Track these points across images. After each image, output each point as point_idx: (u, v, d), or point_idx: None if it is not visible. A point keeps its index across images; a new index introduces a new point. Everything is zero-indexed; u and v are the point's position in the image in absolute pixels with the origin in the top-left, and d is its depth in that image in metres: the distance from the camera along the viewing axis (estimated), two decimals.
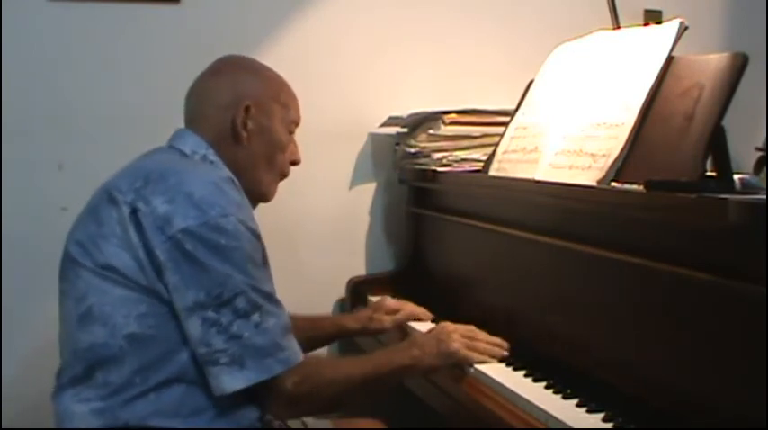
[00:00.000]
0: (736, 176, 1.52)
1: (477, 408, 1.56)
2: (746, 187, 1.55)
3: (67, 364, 1.54)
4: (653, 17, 2.49)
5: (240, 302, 1.46)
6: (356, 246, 2.52)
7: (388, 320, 1.99)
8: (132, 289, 1.48)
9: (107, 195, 1.53)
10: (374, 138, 2.51)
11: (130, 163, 1.63)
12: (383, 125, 2.43)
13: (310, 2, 2.44)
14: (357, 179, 2.52)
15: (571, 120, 1.77)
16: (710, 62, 1.51)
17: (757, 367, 1.18)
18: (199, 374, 1.49)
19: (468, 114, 2.32)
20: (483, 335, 1.73)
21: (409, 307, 2.04)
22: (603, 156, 1.62)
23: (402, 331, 1.98)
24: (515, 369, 1.63)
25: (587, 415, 1.39)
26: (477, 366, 1.65)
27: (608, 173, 1.59)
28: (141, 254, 1.47)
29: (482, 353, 1.68)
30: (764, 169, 1.77)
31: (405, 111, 2.38)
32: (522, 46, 2.50)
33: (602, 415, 1.38)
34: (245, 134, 1.65)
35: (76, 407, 1.50)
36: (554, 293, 1.71)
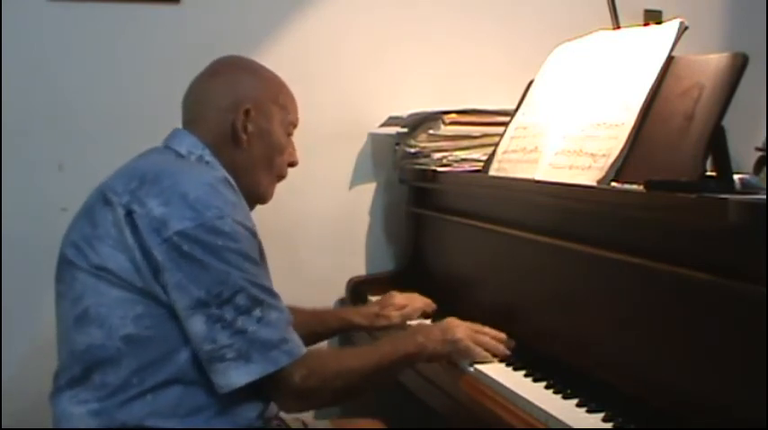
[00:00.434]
0: (736, 176, 1.52)
1: (477, 408, 1.56)
2: (746, 187, 1.55)
3: (64, 366, 1.54)
4: (653, 17, 2.49)
5: (241, 299, 1.46)
6: (356, 246, 2.52)
7: (395, 316, 1.98)
8: (128, 290, 1.48)
9: (102, 197, 1.53)
10: (374, 138, 2.51)
11: (125, 164, 1.62)
12: (383, 125, 2.43)
13: (310, 2, 2.44)
14: (357, 179, 2.52)
15: (571, 120, 1.77)
16: (710, 62, 1.51)
17: (757, 367, 1.18)
18: (196, 375, 1.49)
19: (468, 114, 2.32)
20: (489, 331, 1.73)
21: (417, 302, 2.04)
22: (603, 156, 1.62)
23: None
24: (515, 369, 1.63)
25: (587, 415, 1.39)
26: (478, 366, 1.65)
27: (608, 173, 1.59)
28: (137, 255, 1.47)
29: (486, 347, 1.68)
30: (764, 169, 1.77)
31: (405, 111, 2.38)
32: (522, 46, 2.50)
33: (602, 415, 1.38)
34: (245, 137, 1.65)
35: (74, 409, 1.50)
36: (554, 293, 1.71)
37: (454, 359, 1.69)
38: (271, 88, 1.71)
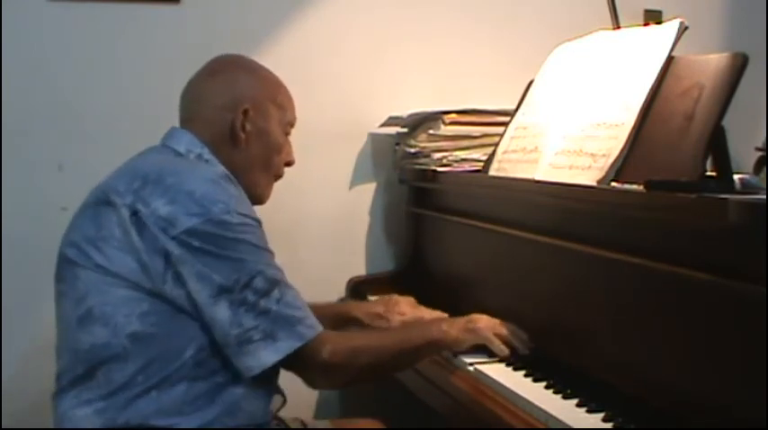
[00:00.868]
0: (736, 176, 1.52)
1: (477, 408, 1.56)
2: (746, 187, 1.55)
3: (67, 366, 1.54)
4: (653, 17, 2.49)
5: (259, 282, 1.48)
6: (356, 246, 2.52)
7: (396, 320, 1.97)
8: (134, 289, 1.48)
9: (104, 198, 1.53)
10: (374, 138, 2.51)
11: (124, 163, 1.62)
12: (383, 125, 2.43)
13: (310, 2, 2.44)
14: (357, 179, 2.52)
15: (571, 120, 1.77)
16: (710, 62, 1.51)
17: (757, 367, 1.18)
18: (201, 371, 1.49)
19: (468, 114, 2.32)
20: (511, 327, 1.74)
21: (424, 313, 1.99)
22: (603, 156, 1.62)
23: None
24: (515, 369, 1.63)
25: (587, 415, 1.39)
26: (478, 366, 1.66)
27: (608, 173, 1.59)
28: (144, 256, 1.47)
29: (505, 340, 1.70)
30: (764, 169, 1.77)
31: (405, 111, 2.38)
32: (522, 46, 2.50)
33: (602, 415, 1.38)
34: (243, 136, 1.65)
35: (77, 409, 1.50)
36: (554, 293, 1.71)
37: (471, 342, 1.70)
38: (269, 88, 1.71)
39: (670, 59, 1.61)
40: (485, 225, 1.98)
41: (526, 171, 1.83)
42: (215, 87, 1.68)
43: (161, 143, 1.67)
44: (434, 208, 2.32)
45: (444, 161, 2.30)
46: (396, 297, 2.06)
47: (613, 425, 1.35)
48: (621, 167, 1.58)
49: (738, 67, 1.44)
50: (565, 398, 1.47)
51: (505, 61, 2.54)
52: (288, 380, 1.61)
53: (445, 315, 1.94)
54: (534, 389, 1.52)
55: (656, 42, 1.65)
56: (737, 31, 2.75)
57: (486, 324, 1.71)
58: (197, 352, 1.49)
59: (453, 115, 2.30)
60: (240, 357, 1.48)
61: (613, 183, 1.57)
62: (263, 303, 1.48)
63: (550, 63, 2.00)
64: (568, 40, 1.98)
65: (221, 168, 1.61)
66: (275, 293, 1.49)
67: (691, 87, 1.52)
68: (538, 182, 1.76)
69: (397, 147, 2.45)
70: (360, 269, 2.51)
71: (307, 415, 2.15)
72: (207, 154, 1.63)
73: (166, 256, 1.46)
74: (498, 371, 1.62)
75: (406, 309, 2.00)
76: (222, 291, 1.46)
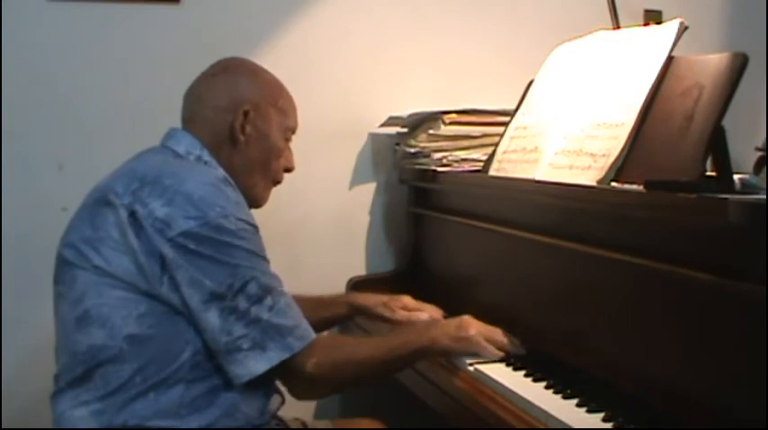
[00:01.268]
0: (736, 176, 1.52)
1: (477, 408, 1.56)
2: (746, 187, 1.55)
3: (65, 367, 1.54)
4: (653, 17, 2.49)
5: (252, 288, 1.48)
6: (356, 246, 2.52)
7: (400, 313, 1.96)
8: (131, 291, 1.48)
9: (102, 198, 1.53)
10: (374, 138, 2.51)
11: (123, 164, 1.62)
12: (383, 125, 2.43)
13: (310, 2, 2.43)
14: (357, 179, 2.52)
15: (571, 120, 1.77)
16: (710, 62, 1.51)
17: (757, 367, 1.18)
18: (198, 373, 1.49)
19: (468, 114, 2.32)
20: (502, 331, 1.73)
21: (428, 309, 2.00)
22: (603, 156, 1.62)
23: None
24: (515, 369, 1.63)
25: (587, 415, 1.39)
26: (478, 366, 1.65)
27: (608, 173, 1.59)
28: (141, 257, 1.47)
29: (498, 345, 1.69)
30: (764, 169, 1.77)
31: (405, 111, 2.38)
32: (522, 46, 2.50)
33: (602, 415, 1.38)
34: (242, 138, 1.65)
35: (75, 410, 1.50)
36: (554, 293, 1.71)
37: (461, 352, 1.69)
38: (271, 92, 1.71)
39: (670, 59, 1.61)
40: (485, 225, 1.98)
41: (526, 171, 1.83)
42: (216, 88, 1.68)
43: (160, 144, 1.67)
44: (434, 208, 2.32)
45: (444, 161, 2.30)
46: (402, 296, 2.05)
47: (613, 425, 1.35)
48: (621, 167, 1.58)
49: (738, 67, 1.44)
50: (565, 398, 1.47)
51: (505, 61, 2.54)
52: None
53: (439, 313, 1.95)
54: (534, 389, 1.52)
55: (656, 42, 1.65)
56: (737, 31, 2.75)
57: (477, 330, 1.69)
58: (194, 354, 1.49)
59: (453, 115, 2.30)
60: (229, 365, 1.48)
61: (613, 183, 1.58)
62: (254, 311, 1.47)
63: (550, 63, 2.00)
64: (568, 40, 1.98)
65: (221, 171, 1.61)
66: (268, 301, 1.49)
67: (691, 87, 1.52)
68: (538, 182, 1.76)
69: (397, 148, 2.45)
70: (360, 269, 2.51)
71: (307, 415, 2.16)
72: (206, 155, 1.63)
73: (162, 259, 1.46)
74: (498, 371, 1.62)
75: (411, 303, 2.00)
76: (213, 298, 1.46)
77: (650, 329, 1.43)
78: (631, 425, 1.34)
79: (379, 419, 1.93)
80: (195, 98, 1.69)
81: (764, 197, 1.29)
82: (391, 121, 2.42)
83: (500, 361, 1.68)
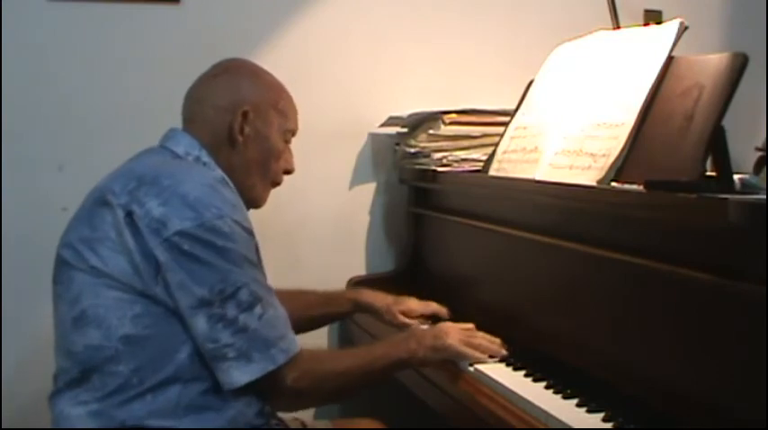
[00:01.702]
0: (736, 176, 1.52)
1: (476, 408, 1.56)
2: (746, 187, 1.55)
3: (63, 367, 1.54)
4: (653, 17, 2.49)
5: (243, 295, 1.47)
6: (356, 246, 2.52)
7: (401, 319, 1.96)
8: (127, 291, 1.48)
9: (100, 198, 1.53)
10: (374, 138, 2.51)
11: (122, 165, 1.62)
12: (383, 125, 2.43)
13: (310, 2, 2.43)
14: (357, 179, 2.52)
15: (571, 120, 1.77)
16: (710, 62, 1.51)
17: (757, 367, 1.18)
18: (196, 372, 1.49)
19: (468, 114, 2.32)
20: (481, 334, 1.73)
21: (432, 307, 2.01)
22: (603, 156, 1.62)
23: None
24: (515, 369, 1.63)
25: (587, 415, 1.39)
26: (478, 366, 1.65)
27: (608, 173, 1.59)
28: (137, 257, 1.47)
29: (479, 349, 1.68)
30: (764, 169, 1.77)
31: (405, 111, 2.38)
32: (522, 46, 2.50)
33: (602, 415, 1.38)
34: (240, 139, 1.65)
35: (73, 410, 1.50)
36: (554, 293, 1.71)
37: (440, 361, 1.68)
38: (271, 93, 1.71)
39: (670, 59, 1.61)
40: (485, 225, 1.98)
41: (526, 171, 1.83)
42: (217, 88, 1.68)
43: (159, 144, 1.67)
44: (434, 208, 2.32)
45: (444, 161, 2.30)
46: (406, 298, 2.05)
47: (613, 425, 1.35)
48: (621, 167, 1.58)
49: (738, 67, 1.44)
50: (565, 398, 1.47)
51: (505, 61, 2.54)
52: None
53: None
54: (534, 389, 1.52)
55: (656, 42, 1.65)
56: (737, 31, 2.75)
57: (455, 337, 1.67)
58: (190, 354, 1.49)
59: (453, 115, 2.30)
60: (215, 371, 1.48)
61: (613, 183, 1.57)
62: (242, 319, 1.47)
63: (550, 63, 2.00)
64: (568, 40, 1.98)
65: (219, 172, 1.61)
66: (257, 309, 1.48)
67: (691, 87, 1.52)
68: (538, 182, 1.76)
69: (397, 148, 2.45)
70: (360, 269, 2.51)
71: (306, 415, 2.15)
72: (205, 156, 1.63)
73: (157, 260, 1.46)
74: (498, 371, 1.62)
75: (416, 307, 1.99)
76: (202, 304, 1.46)
77: (650, 329, 1.43)
78: (631, 425, 1.34)
79: (379, 419, 1.93)
80: (195, 99, 1.69)
81: (764, 197, 1.28)
82: (391, 121, 2.42)
83: (500, 361, 1.68)
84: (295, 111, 1.75)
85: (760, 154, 1.81)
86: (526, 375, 1.60)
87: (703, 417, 1.28)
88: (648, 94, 1.59)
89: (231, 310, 1.46)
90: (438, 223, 2.30)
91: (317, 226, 2.48)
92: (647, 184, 1.42)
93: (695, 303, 1.33)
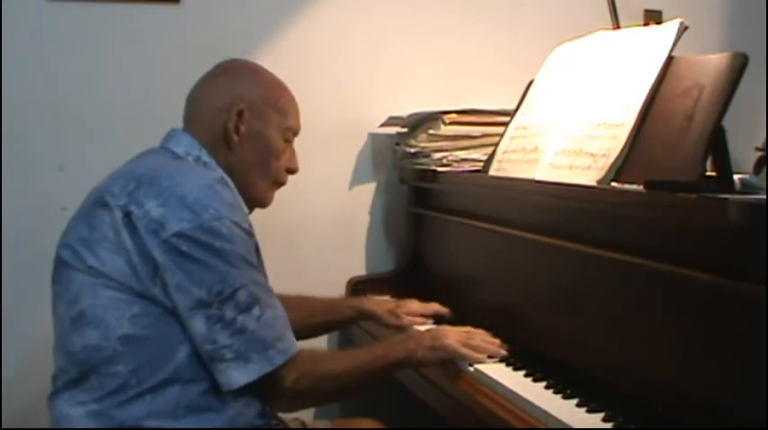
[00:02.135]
0: (736, 176, 1.52)
1: (476, 408, 1.56)
2: (746, 187, 1.55)
3: (62, 368, 1.54)
4: (653, 17, 2.49)
5: (242, 296, 1.47)
6: (356, 246, 2.52)
7: (406, 320, 1.96)
8: (125, 292, 1.48)
9: (99, 199, 1.53)
10: (374, 138, 2.51)
11: (122, 166, 1.62)
12: (383, 125, 2.43)
13: (310, 2, 2.44)
14: (357, 179, 2.52)
15: (571, 120, 1.77)
16: (710, 62, 1.51)
17: (757, 367, 1.18)
18: (195, 373, 1.49)
19: (468, 114, 2.32)
20: (480, 333, 1.73)
21: (435, 308, 2.00)
22: (603, 156, 1.62)
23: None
24: (515, 369, 1.63)
25: (587, 415, 1.39)
26: (477, 366, 1.65)
27: (608, 173, 1.59)
28: (135, 258, 1.47)
29: (477, 349, 1.68)
30: (764, 169, 1.77)
31: (405, 111, 2.38)
32: (522, 46, 2.50)
33: (602, 415, 1.38)
34: (236, 138, 1.64)
35: (72, 411, 1.50)
36: (554, 293, 1.71)
37: (438, 361, 1.68)
38: (270, 92, 1.70)
39: (670, 59, 1.61)
40: (485, 225, 1.98)
41: (526, 171, 1.83)
42: (215, 89, 1.68)
43: (160, 145, 1.67)
44: (434, 208, 2.32)
45: (444, 161, 2.30)
46: (407, 300, 2.05)
47: (613, 425, 1.35)
48: (621, 167, 1.58)
49: (738, 67, 1.44)
50: (565, 398, 1.47)
51: (505, 61, 2.54)
52: None
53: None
54: (534, 389, 1.52)
55: (656, 42, 1.65)
56: (737, 31, 2.75)
57: (453, 338, 1.67)
58: (189, 354, 1.48)
59: (453, 115, 2.30)
60: (213, 372, 1.48)
61: (613, 183, 1.57)
62: (240, 320, 1.47)
63: (550, 63, 2.00)
64: (568, 40, 1.98)
65: (219, 172, 1.60)
66: (256, 311, 1.48)
67: (691, 87, 1.52)
68: (538, 182, 1.76)
69: (397, 148, 2.45)
70: (360, 269, 2.51)
71: (306, 415, 2.15)
72: (205, 156, 1.63)
73: (155, 261, 1.46)
74: (498, 371, 1.62)
75: (417, 307, 1.99)
76: (200, 305, 1.46)
77: (650, 329, 1.43)
78: (631, 425, 1.34)
79: (379, 419, 1.93)
80: (195, 99, 1.69)
81: (764, 197, 1.28)
82: (391, 121, 2.42)
83: (500, 361, 1.68)
84: (296, 110, 1.74)
85: (760, 154, 1.81)
86: (526, 375, 1.60)
87: (703, 417, 1.28)
88: (648, 94, 1.59)
89: (229, 311, 1.46)
90: (438, 223, 2.30)
91: (317, 226, 2.48)
92: (647, 184, 1.42)
93: (695, 303, 1.33)
